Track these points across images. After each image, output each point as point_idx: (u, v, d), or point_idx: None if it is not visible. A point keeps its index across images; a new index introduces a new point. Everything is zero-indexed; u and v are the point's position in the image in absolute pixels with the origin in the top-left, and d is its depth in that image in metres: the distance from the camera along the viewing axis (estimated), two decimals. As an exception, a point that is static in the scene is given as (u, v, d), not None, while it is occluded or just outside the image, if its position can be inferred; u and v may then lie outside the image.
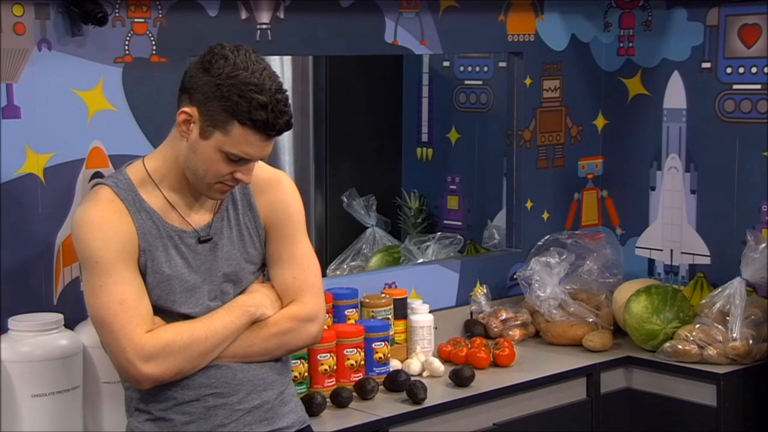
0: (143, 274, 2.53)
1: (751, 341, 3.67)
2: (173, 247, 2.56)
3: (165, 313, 2.55)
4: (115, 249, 2.48)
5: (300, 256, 2.68)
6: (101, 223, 2.50)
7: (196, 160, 2.52)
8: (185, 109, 2.50)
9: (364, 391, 3.30)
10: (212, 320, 2.55)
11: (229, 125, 2.46)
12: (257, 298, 2.62)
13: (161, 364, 2.48)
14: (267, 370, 2.63)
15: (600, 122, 4.35)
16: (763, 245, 3.75)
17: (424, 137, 4.62)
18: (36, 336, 2.77)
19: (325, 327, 3.29)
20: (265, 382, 2.62)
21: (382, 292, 3.67)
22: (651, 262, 4.24)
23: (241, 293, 2.64)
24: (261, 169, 2.69)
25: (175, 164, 2.56)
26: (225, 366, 2.57)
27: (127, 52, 3.12)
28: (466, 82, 4.47)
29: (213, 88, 2.46)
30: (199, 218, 2.61)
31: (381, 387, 3.38)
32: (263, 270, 2.72)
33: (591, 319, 3.92)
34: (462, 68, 4.48)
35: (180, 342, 2.50)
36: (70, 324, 2.89)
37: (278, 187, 2.70)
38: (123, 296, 2.47)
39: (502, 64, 4.29)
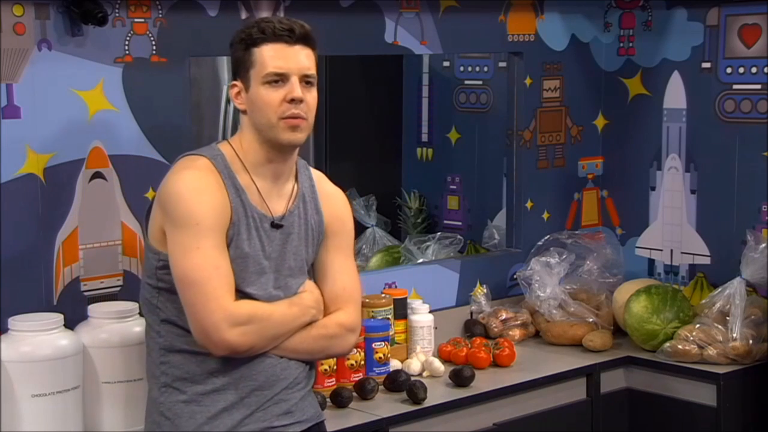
0: (227, 247, 2.58)
1: (751, 341, 3.67)
2: (254, 228, 2.62)
3: None
4: (214, 215, 2.55)
5: (350, 268, 2.79)
6: (204, 188, 2.57)
7: (255, 112, 2.61)
8: (232, 83, 2.66)
9: (364, 391, 3.30)
10: (285, 308, 2.63)
11: (253, 56, 2.60)
12: (318, 301, 2.70)
13: (243, 335, 2.53)
14: (301, 371, 2.70)
15: (600, 122, 4.35)
16: (763, 245, 3.75)
17: (424, 137, 4.62)
18: (36, 336, 2.77)
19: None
20: (296, 381, 2.68)
21: (382, 292, 3.68)
22: (651, 262, 4.24)
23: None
24: (325, 181, 2.84)
25: (251, 146, 2.64)
26: (268, 360, 2.62)
27: (127, 52, 3.12)
28: (466, 82, 4.47)
29: (236, 48, 2.64)
30: (277, 207, 2.67)
31: (381, 387, 3.38)
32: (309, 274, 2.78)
33: (591, 319, 3.93)
34: (462, 68, 4.48)
35: (260, 318, 2.57)
36: (70, 324, 2.89)
37: (339, 200, 2.83)
38: (218, 262, 2.53)
39: (502, 64, 4.29)
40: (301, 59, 2.61)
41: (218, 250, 2.54)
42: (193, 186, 2.56)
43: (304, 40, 2.62)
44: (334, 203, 2.80)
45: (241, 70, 2.63)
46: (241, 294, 2.59)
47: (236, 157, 2.64)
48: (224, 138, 3.39)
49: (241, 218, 2.60)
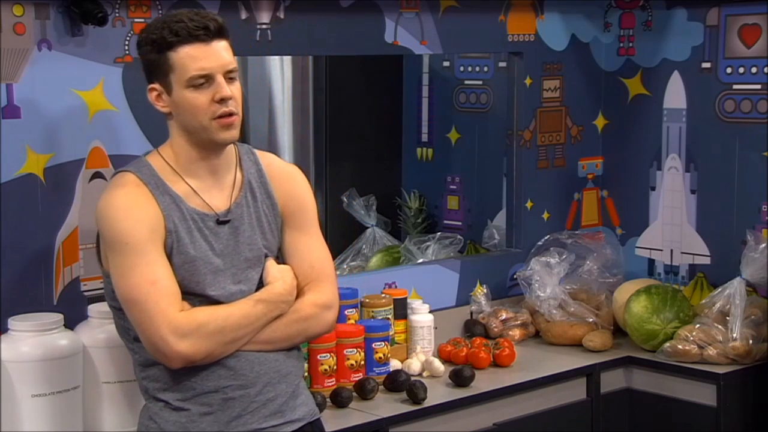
0: (169, 256, 2.55)
1: (751, 341, 3.67)
2: (197, 229, 2.59)
3: (189, 295, 2.56)
4: (144, 230, 2.52)
5: (316, 246, 2.73)
6: (129, 206, 2.53)
7: (184, 115, 2.56)
8: (149, 87, 2.59)
9: (364, 391, 3.30)
10: (247, 308, 2.58)
11: (170, 60, 2.53)
12: (291, 290, 2.64)
13: (194, 344, 2.50)
14: (283, 360, 2.65)
15: (600, 122, 4.35)
16: (763, 245, 3.75)
17: (424, 137, 4.61)
18: (36, 336, 2.77)
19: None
20: (279, 375, 2.64)
21: (382, 292, 3.67)
22: (651, 262, 4.24)
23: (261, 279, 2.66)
24: (275, 161, 2.78)
25: (182, 148, 2.60)
26: (244, 357, 2.58)
27: (127, 52, 3.12)
28: (466, 82, 4.47)
29: (147, 50, 2.56)
30: (219, 203, 2.63)
31: (381, 387, 3.38)
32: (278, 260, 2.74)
33: (591, 319, 3.92)
34: (462, 68, 4.48)
35: (214, 325, 2.52)
36: (70, 324, 2.89)
37: (293, 179, 2.77)
38: (155, 276, 2.50)
39: (502, 64, 4.29)
40: (221, 55, 2.54)
41: (154, 266, 2.51)
42: (118, 206, 2.54)
43: (219, 34, 2.55)
44: (286, 182, 2.73)
45: (157, 73, 2.56)
46: (201, 297, 2.57)
47: (166, 165, 2.60)
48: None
49: (179, 224, 2.56)
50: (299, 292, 2.67)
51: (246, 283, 2.63)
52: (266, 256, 2.68)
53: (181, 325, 2.49)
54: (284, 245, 2.72)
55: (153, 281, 2.49)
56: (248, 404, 2.59)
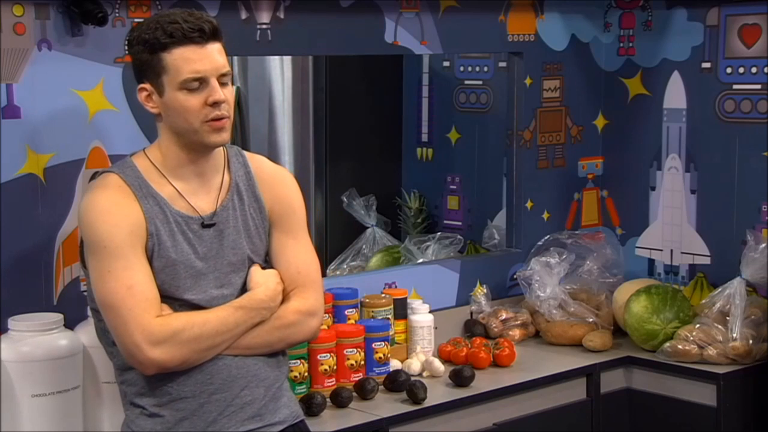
0: (150, 259, 2.53)
1: (751, 341, 3.67)
2: (180, 232, 2.57)
3: (169, 299, 2.55)
4: (123, 234, 2.49)
5: (303, 251, 2.70)
6: (110, 209, 2.51)
7: (174, 117, 2.54)
8: (139, 86, 2.57)
9: (364, 391, 3.30)
10: (227, 314, 2.55)
11: (163, 61, 2.50)
12: (273, 296, 2.62)
13: (168, 351, 2.48)
14: (262, 365, 2.63)
15: (600, 122, 4.35)
16: (763, 245, 3.75)
17: (424, 137, 4.61)
18: (36, 336, 2.77)
19: (325, 327, 3.30)
20: (257, 378, 2.62)
21: (382, 292, 3.67)
22: (651, 262, 4.24)
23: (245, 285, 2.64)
24: (264, 164, 2.75)
25: (170, 150, 2.59)
26: (221, 362, 2.57)
27: (127, 52, 3.11)
28: (466, 82, 4.47)
29: (139, 50, 2.53)
30: (205, 206, 2.61)
31: (381, 387, 3.38)
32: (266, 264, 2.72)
33: (591, 319, 3.92)
34: (462, 68, 4.48)
35: (190, 332, 2.50)
36: (70, 324, 2.90)
37: (282, 182, 2.74)
38: (131, 281, 2.48)
39: (502, 64, 4.29)
40: (215, 58, 2.52)
41: (131, 270, 2.48)
42: (98, 208, 2.52)
43: (214, 36, 2.53)
44: (275, 185, 2.71)
45: (149, 74, 2.53)
46: (180, 301, 2.55)
47: (152, 166, 2.58)
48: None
49: (161, 227, 2.54)
50: (284, 297, 2.65)
51: (229, 287, 2.61)
52: (251, 261, 2.66)
53: (155, 332, 2.47)
54: (271, 249, 2.70)
55: (129, 286, 2.47)
56: (224, 408, 2.57)
